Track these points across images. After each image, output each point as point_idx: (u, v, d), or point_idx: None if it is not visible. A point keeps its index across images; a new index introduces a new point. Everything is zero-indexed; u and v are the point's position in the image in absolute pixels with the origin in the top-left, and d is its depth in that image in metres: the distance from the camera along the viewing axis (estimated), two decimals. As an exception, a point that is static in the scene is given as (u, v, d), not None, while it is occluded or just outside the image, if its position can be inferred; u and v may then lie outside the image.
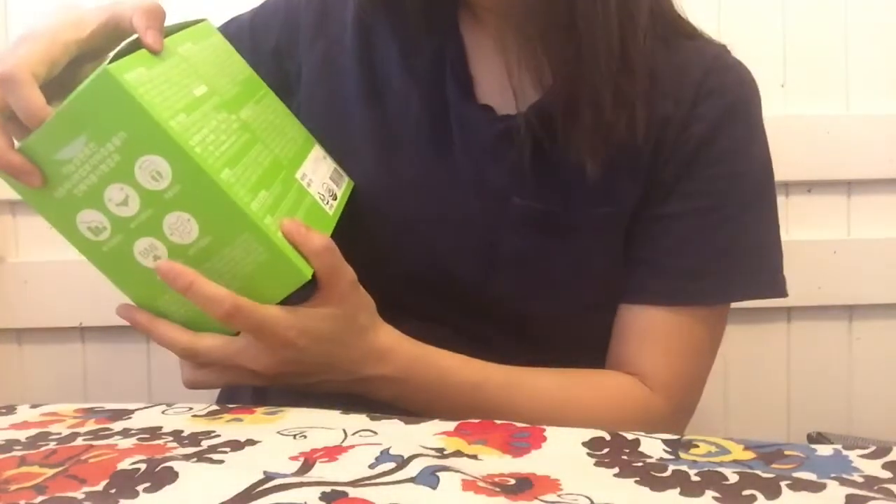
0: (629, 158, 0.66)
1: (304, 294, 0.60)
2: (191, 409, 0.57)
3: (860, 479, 0.42)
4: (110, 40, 0.59)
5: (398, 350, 0.63)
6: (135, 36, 0.57)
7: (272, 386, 0.62)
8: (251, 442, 0.47)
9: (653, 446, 0.48)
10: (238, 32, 0.78)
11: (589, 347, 0.71)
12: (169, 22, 0.60)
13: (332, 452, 0.45)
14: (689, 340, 0.69)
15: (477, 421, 0.52)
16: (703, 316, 0.69)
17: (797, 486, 0.41)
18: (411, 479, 0.40)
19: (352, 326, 0.61)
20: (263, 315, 0.56)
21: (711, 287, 0.68)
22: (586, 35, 0.61)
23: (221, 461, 0.43)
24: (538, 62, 0.64)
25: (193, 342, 0.59)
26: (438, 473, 0.41)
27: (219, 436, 0.49)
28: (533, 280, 0.69)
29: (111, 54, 0.55)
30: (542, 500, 0.40)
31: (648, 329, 0.69)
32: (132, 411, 0.56)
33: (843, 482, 0.42)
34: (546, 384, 0.67)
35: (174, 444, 0.47)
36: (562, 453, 0.47)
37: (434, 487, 0.40)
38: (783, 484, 0.41)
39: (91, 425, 0.52)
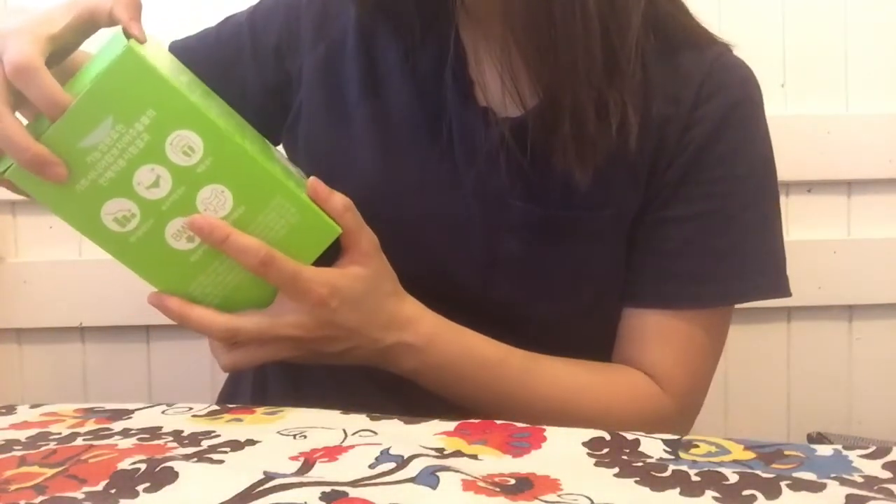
0: (629, 161, 0.66)
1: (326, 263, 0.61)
2: (191, 409, 0.57)
3: (860, 479, 0.42)
4: (79, 34, 0.58)
5: (422, 319, 0.64)
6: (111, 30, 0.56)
7: (304, 363, 0.62)
8: (251, 442, 0.47)
9: (653, 446, 0.48)
10: (236, 32, 0.78)
11: (589, 349, 0.71)
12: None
13: (332, 452, 0.45)
14: (695, 342, 0.69)
15: (477, 421, 0.52)
16: (708, 317, 0.69)
17: (797, 486, 0.41)
18: (411, 479, 0.40)
19: (378, 289, 0.62)
20: (297, 267, 0.58)
21: (716, 289, 0.68)
22: (565, 45, 0.60)
23: (221, 461, 0.43)
24: (516, 70, 0.64)
25: (232, 321, 0.59)
26: (438, 473, 0.41)
27: (219, 436, 0.49)
28: (533, 282, 0.69)
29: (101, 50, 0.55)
30: (542, 500, 0.40)
31: (655, 332, 0.69)
32: (132, 411, 0.56)
33: (843, 482, 0.42)
34: (565, 371, 0.68)
35: (174, 444, 0.47)
36: (562, 453, 0.47)
37: (434, 487, 0.40)
38: (783, 484, 0.41)
39: (91, 425, 0.52)
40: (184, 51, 0.76)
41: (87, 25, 0.57)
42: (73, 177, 0.53)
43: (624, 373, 0.69)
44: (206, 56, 0.76)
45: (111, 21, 0.56)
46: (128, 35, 0.55)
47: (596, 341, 0.72)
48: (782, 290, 0.70)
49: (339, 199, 0.60)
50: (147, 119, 0.53)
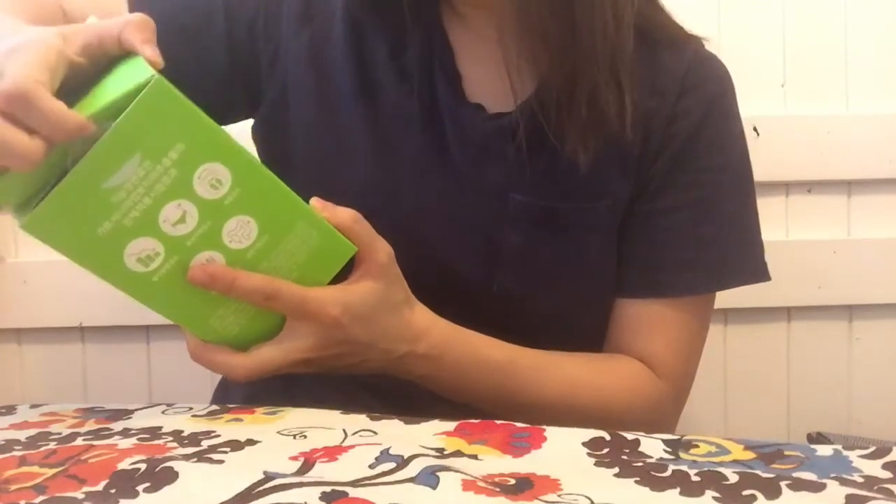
0: (621, 153, 0.69)
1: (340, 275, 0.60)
2: (191, 409, 0.57)
3: (860, 479, 0.42)
4: (87, 63, 0.52)
5: (433, 329, 0.64)
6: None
7: (317, 373, 0.62)
8: (251, 442, 0.47)
9: (653, 446, 0.48)
10: (209, 2, 0.73)
11: (587, 341, 0.72)
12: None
13: (332, 452, 0.45)
14: (685, 327, 0.72)
15: (477, 421, 0.52)
16: (697, 303, 0.72)
17: (797, 486, 0.41)
18: (411, 479, 0.40)
19: (389, 301, 0.61)
20: (304, 293, 0.57)
21: (704, 277, 0.71)
22: (584, 29, 0.63)
23: (221, 461, 0.43)
24: (535, 55, 0.65)
25: (253, 361, 0.58)
26: (438, 473, 0.41)
27: (219, 436, 0.49)
28: (534, 276, 0.70)
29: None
30: (542, 500, 0.40)
31: (649, 320, 0.71)
32: (132, 411, 0.56)
33: (843, 482, 0.42)
34: (569, 365, 0.69)
35: (174, 444, 0.47)
36: (562, 453, 0.47)
37: (434, 487, 0.40)
38: (783, 484, 0.41)
39: (91, 425, 0.52)
40: (144, 5, 0.69)
41: (96, 54, 0.52)
42: (95, 220, 0.50)
43: (622, 362, 0.71)
44: (170, 16, 0.69)
45: (121, 48, 0.52)
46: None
47: (594, 333, 0.73)
48: (765, 275, 0.73)
49: (345, 213, 0.59)
50: (175, 153, 0.50)
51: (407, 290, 0.63)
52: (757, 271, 0.73)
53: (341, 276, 0.60)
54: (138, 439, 0.48)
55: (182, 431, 0.50)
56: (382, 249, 0.60)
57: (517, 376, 0.66)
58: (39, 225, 0.49)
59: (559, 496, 0.40)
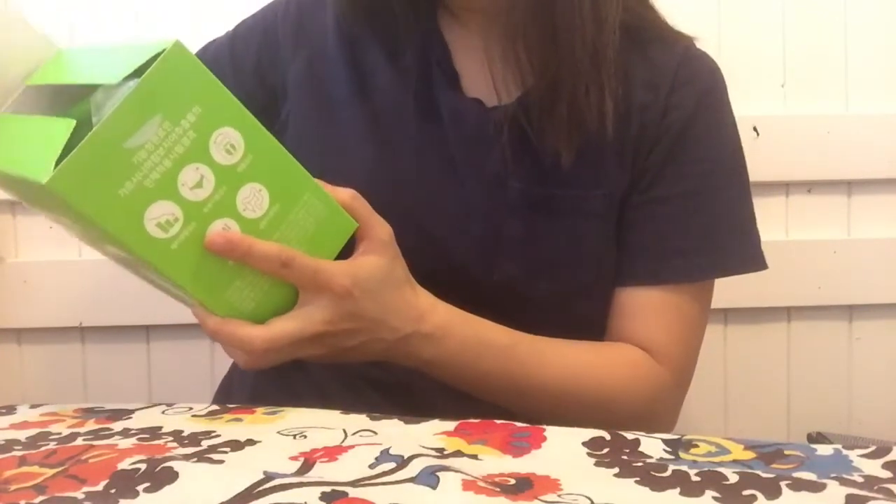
0: (618, 144, 0.70)
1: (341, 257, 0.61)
2: (191, 409, 0.57)
3: (860, 479, 0.42)
4: None
5: (436, 310, 0.65)
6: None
7: (321, 362, 0.62)
8: (251, 442, 0.47)
9: (653, 446, 0.48)
10: (217, 54, 0.79)
11: (587, 330, 0.73)
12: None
13: (332, 452, 0.45)
14: (683, 315, 0.72)
15: (477, 421, 0.52)
16: (694, 291, 0.73)
17: (797, 486, 0.41)
18: (411, 479, 0.40)
19: (393, 278, 0.62)
20: (316, 264, 0.58)
21: (700, 264, 0.72)
22: (564, 33, 0.65)
23: (221, 461, 0.43)
24: (519, 59, 0.67)
25: (269, 332, 0.58)
26: (438, 473, 0.41)
27: (219, 436, 0.49)
28: (535, 263, 0.71)
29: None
30: (542, 500, 0.40)
31: (647, 307, 0.72)
32: (132, 411, 0.56)
33: (843, 482, 0.42)
34: (569, 352, 0.70)
35: (174, 444, 0.47)
36: (562, 453, 0.47)
37: (434, 487, 0.40)
38: (783, 484, 0.41)
39: (91, 425, 0.52)
40: None
41: None
42: (117, 179, 0.50)
43: (621, 349, 0.72)
44: None
45: None
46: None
47: (593, 322, 0.74)
48: (761, 263, 0.74)
49: (344, 191, 0.61)
50: (193, 116, 0.52)
51: (407, 271, 0.64)
52: (754, 259, 0.74)
53: (342, 258, 0.61)
54: (138, 439, 0.48)
55: (182, 431, 0.50)
56: (382, 227, 0.62)
57: (518, 359, 0.67)
58: (63, 182, 0.49)
59: (559, 496, 0.40)
